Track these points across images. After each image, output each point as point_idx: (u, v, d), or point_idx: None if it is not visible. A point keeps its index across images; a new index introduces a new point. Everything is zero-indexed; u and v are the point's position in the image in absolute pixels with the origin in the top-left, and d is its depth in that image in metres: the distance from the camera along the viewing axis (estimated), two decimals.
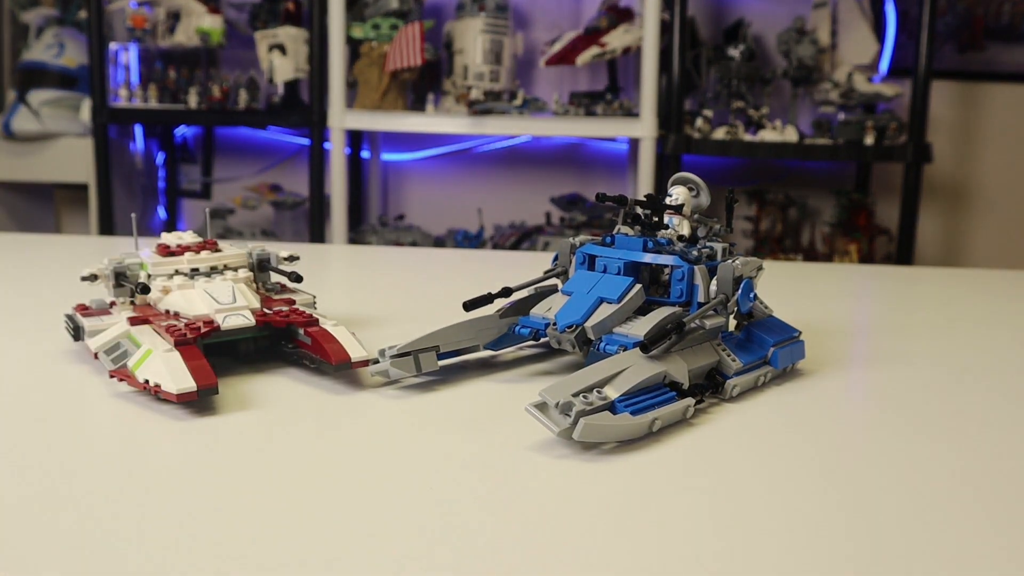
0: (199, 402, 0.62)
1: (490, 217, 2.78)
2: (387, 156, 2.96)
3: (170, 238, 0.79)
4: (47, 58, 2.76)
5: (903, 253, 2.52)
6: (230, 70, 2.71)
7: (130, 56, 2.78)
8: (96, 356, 0.69)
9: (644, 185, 2.44)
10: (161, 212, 3.01)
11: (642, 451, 0.56)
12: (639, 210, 0.75)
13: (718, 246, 0.74)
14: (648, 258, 0.71)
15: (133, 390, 0.65)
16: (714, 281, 0.70)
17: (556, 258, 0.80)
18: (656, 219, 0.74)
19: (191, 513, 0.46)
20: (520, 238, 2.63)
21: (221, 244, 0.80)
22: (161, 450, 0.55)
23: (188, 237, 0.80)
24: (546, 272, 0.79)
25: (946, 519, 0.48)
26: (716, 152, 2.53)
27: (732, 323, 0.74)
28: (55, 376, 0.70)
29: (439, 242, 2.67)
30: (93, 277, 0.74)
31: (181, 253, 0.76)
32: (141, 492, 0.48)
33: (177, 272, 0.74)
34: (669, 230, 0.75)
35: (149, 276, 0.74)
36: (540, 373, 0.74)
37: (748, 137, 2.50)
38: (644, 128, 2.44)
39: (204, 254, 0.76)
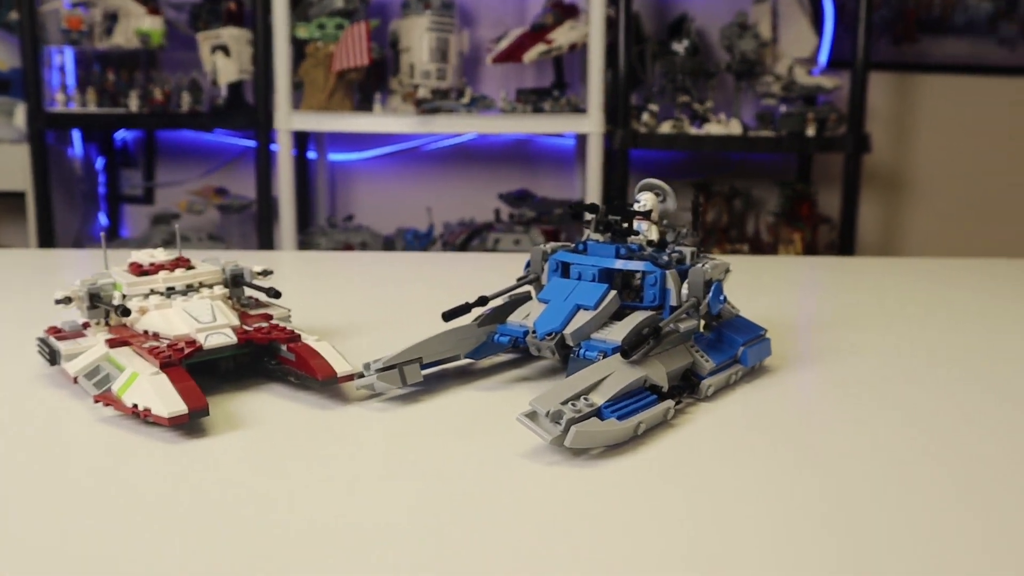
0: (189, 424, 0.62)
1: (440, 215, 2.79)
2: (334, 156, 2.94)
3: (141, 256, 0.79)
4: None
5: (845, 242, 2.61)
6: (171, 72, 2.67)
7: (66, 59, 2.72)
8: (76, 381, 0.69)
9: (592, 180, 2.48)
10: (102, 219, 2.95)
11: (628, 454, 0.59)
12: (610, 217, 0.77)
13: (687, 250, 0.77)
14: (621, 264, 0.74)
15: (118, 415, 0.65)
16: (685, 285, 0.73)
17: (528, 265, 0.82)
18: (626, 225, 0.77)
19: (195, 536, 0.47)
20: (470, 235, 2.65)
21: (194, 260, 0.80)
22: (156, 475, 0.55)
23: (159, 255, 0.80)
24: (519, 279, 0.81)
25: (927, 505, 0.51)
26: (662, 146, 2.58)
27: (701, 324, 0.77)
28: (33, 403, 0.70)
29: (389, 242, 2.68)
30: (67, 300, 0.74)
31: (155, 272, 0.76)
32: (141, 518, 0.49)
33: (153, 292, 0.74)
34: (639, 236, 0.78)
35: (124, 296, 0.74)
36: (519, 379, 0.76)
37: (694, 131, 2.55)
38: (591, 124, 2.47)
39: (179, 272, 0.76)
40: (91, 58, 2.70)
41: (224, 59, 2.51)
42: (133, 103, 2.54)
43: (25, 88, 2.52)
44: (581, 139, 2.77)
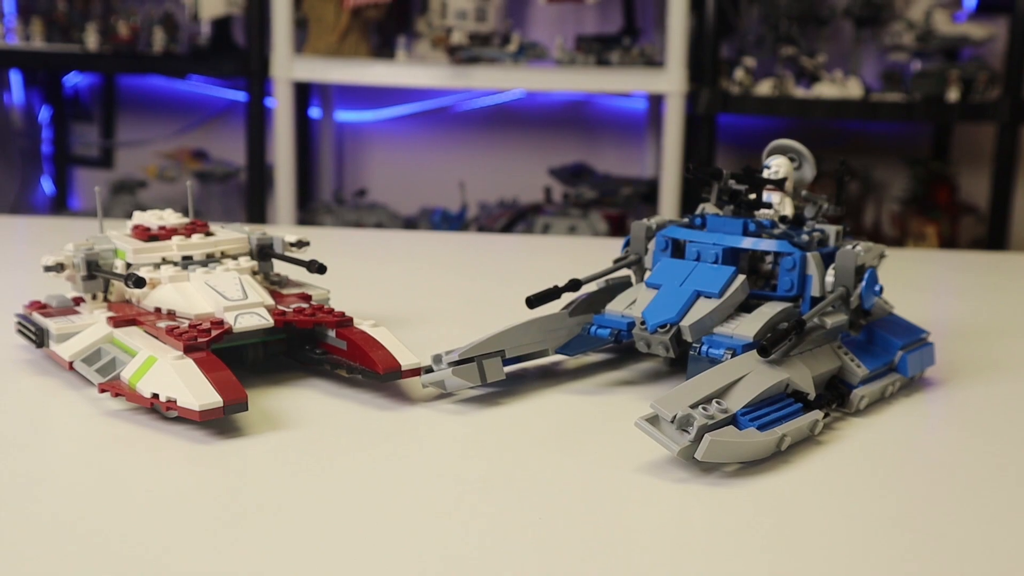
0: (221, 421, 0.64)
1: (475, 193, 2.81)
2: (344, 116, 2.97)
3: (148, 218, 0.82)
4: None
5: (995, 236, 2.60)
6: (140, 3, 2.72)
7: None
8: (71, 366, 0.71)
9: (670, 153, 2.49)
10: (46, 185, 3.00)
11: (770, 474, 0.60)
12: (734, 185, 0.79)
13: (830, 229, 0.78)
14: (750, 243, 0.75)
15: (129, 407, 0.67)
16: (831, 271, 0.74)
17: (627, 243, 0.84)
18: (754, 197, 0.78)
19: (227, 554, 0.48)
20: (513, 219, 2.67)
21: (213, 226, 0.83)
22: (183, 481, 0.57)
23: (170, 216, 0.82)
24: (616, 261, 0.83)
25: None
26: (760, 111, 2.58)
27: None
28: (18, 394, 0.72)
29: (411, 224, 2.70)
30: (60, 267, 0.76)
31: (167, 237, 0.78)
32: (163, 532, 0.51)
33: (165, 261, 0.76)
34: (770, 210, 0.79)
35: (129, 266, 0.76)
36: (620, 383, 0.78)
37: (800, 92, 2.55)
38: (670, 81, 2.49)
39: (196, 238, 0.79)
40: None
41: None
42: (91, 40, 2.59)
43: None
44: (655, 101, 2.78)
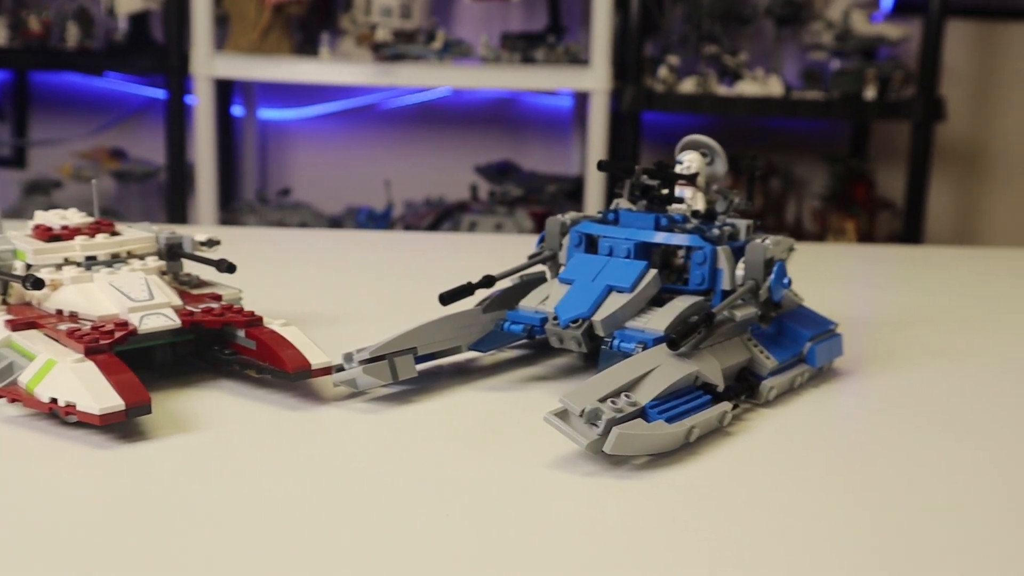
0: (124, 426, 0.63)
1: (401, 191, 2.80)
2: (267, 114, 2.94)
3: (50, 217, 0.79)
4: None
5: (910, 231, 2.66)
6: None
7: None
8: None
9: (595, 150, 2.51)
10: None
11: (678, 465, 0.61)
12: (646, 180, 0.79)
13: (741, 223, 0.79)
14: (663, 238, 0.76)
15: (27, 413, 0.66)
16: (741, 264, 0.75)
17: (542, 239, 0.84)
18: (666, 192, 0.79)
19: (133, 565, 0.47)
20: (439, 217, 2.66)
21: (120, 226, 0.81)
22: (83, 488, 0.56)
23: (73, 216, 0.80)
24: (531, 257, 0.83)
25: (1008, 555, 0.54)
26: (683, 108, 2.61)
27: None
28: None
29: (336, 223, 2.68)
30: None
31: (70, 236, 0.76)
32: (65, 541, 0.49)
33: (68, 261, 0.74)
34: (682, 205, 0.80)
35: (29, 267, 0.74)
36: (533, 378, 0.78)
37: (723, 90, 2.59)
38: (596, 78, 2.50)
39: (101, 238, 0.77)
40: None
41: None
42: (0, 34, 2.53)
43: None
44: (580, 99, 2.79)
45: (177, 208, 2.55)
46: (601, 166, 0.79)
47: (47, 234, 0.77)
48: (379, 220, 2.66)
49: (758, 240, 0.75)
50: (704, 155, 0.83)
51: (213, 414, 0.67)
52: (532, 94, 2.92)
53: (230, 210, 2.68)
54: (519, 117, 2.97)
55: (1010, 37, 3.06)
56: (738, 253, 0.76)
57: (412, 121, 2.95)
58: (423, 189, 2.83)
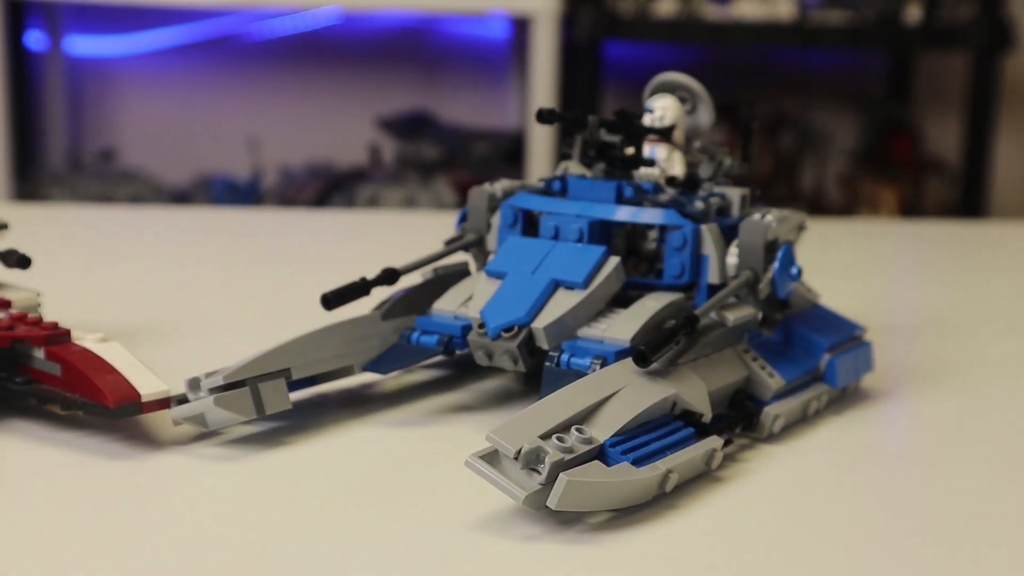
0: None
1: (273, 154, 2.77)
2: (80, 46, 2.87)
3: None
4: None
5: (969, 200, 2.70)
6: None
7: None
8: None
9: (540, 94, 2.51)
10: None
11: (651, 525, 0.58)
12: (605, 135, 0.80)
13: (734, 193, 0.80)
14: (628, 214, 0.76)
15: None
16: (732, 249, 0.76)
17: (463, 218, 0.84)
18: (632, 151, 0.80)
19: None
20: (327, 189, 2.65)
21: None
22: None
23: None
24: (448, 242, 0.83)
25: None
26: (660, 37, 2.62)
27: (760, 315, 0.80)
28: None
29: (182, 197, 2.65)
30: None
31: None
32: None
33: None
34: (653, 168, 0.81)
35: None
36: (452, 409, 0.75)
37: (713, 12, 2.61)
38: None
39: None
40: None
41: None
42: None
43: None
44: (520, 26, 2.79)
45: None
46: (543, 116, 0.79)
47: None
48: (242, 193, 2.63)
49: (756, 216, 0.76)
50: (683, 100, 0.83)
51: (2, 467, 0.63)
52: (454, 18, 2.91)
53: (28, 180, 2.63)
54: (434, 53, 2.95)
55: None
56: (730, 234, 0.76)
57: (288, 59, 2.90)
58: (304, 151, 2.78)
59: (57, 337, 0.69)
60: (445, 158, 2.61)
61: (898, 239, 1.53)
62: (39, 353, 0.69)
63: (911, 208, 2.63)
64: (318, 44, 2.76)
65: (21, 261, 0.73)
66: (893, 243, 1.46)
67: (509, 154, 2.61)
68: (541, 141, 2.43)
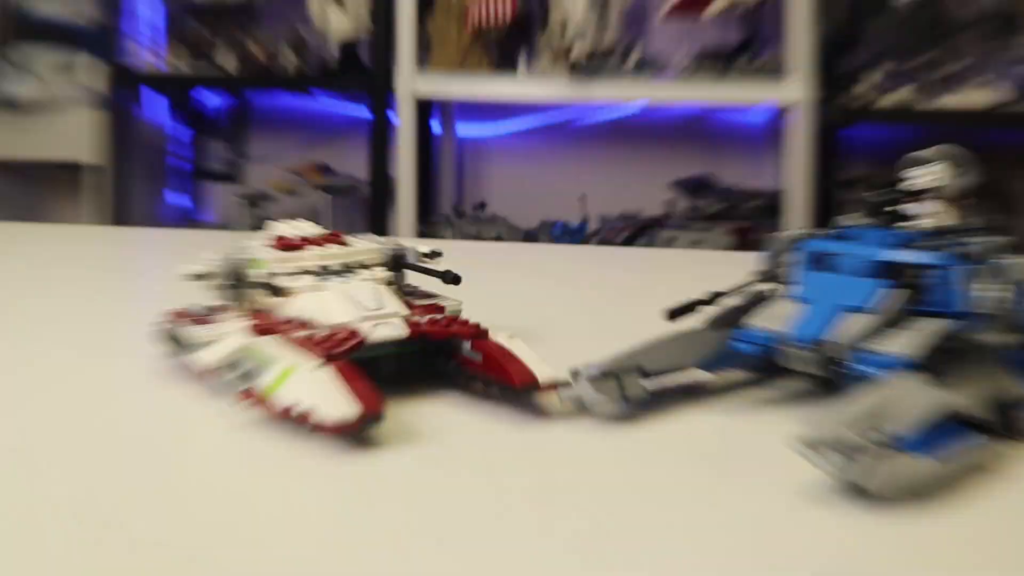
0: (358, 434, 0.62)
1: (595, 206, 2.79)
2: (465, 131, 3.00)
3: (286, 228, 0.81)
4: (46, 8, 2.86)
5: None
6: (271, 26, 2.77)
7: (150, 8, 2.87)
8: (205, 375, 0.71)
9: (796, 166, 2.41)
10: (178, 198, 3.09)
11: (938, 507, 0.55)
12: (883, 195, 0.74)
13: (995, 241, 0.73)
14: (911, 256, 0.70)
15: (267, 418, 0.66)
16: (998, 285, 0.69)
17: (767, 257, 0.79)
18: (904, 207, 0.73)
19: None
20: (635, 232, 2.63)
21: (347, 237, 0.82)
22: (317, 495, 0.56)
23: (307, 227, 0.82)
24: (754, 275, 0.79)
25: None
26: (890, 121, 2.48)
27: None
28: (157, 403, 0.72)
29: (531, 237, 2.70)
30: (203, 276, 0.76)
31: (303, 247, 0.77)
32: (300, 546, 0.49)
33: (304, 270, 0.75)
34: (927, 220, 0.74)
35: (270, 275, 0.75)
36: (765, 402, 0.73)
37: (940, 101, 2.43)
38: (796, 89, 2.41)
39: (334, 248, 0.78)
40: (179, 8, 2.84)
41: (337, 11, 2.59)
42: (228, 62, 2.66)
43: (101, 42, 2.68)
44: (779, 113, 2.71)
45: (378, 221, 2.62)
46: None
47: (284, 244, 0.78)
48: (574, 234, 2.65)
49: (1013, 258, 0.69)
50: (958, 167, 0.77)
51: (442, 427, 0.66)
52: (723, 112, 2.85)
53: (428, 223, 2.73)
54: (712, 133, 2.90)
55: None
56: (992, 272, 0.70)
57: (606, 137, 2.93)
58: (618, 204, 2.80)
59: (480, 334, 0.72)
60: (723, 211, 2.55)
61: None
62: (467, 345, 0.72)
63: None
64: (630, 126, 2.79)
65: (455, 279, 0.74)
66: None
67: (772, 209, 2.53)
68: (797, 199, 2.33)
